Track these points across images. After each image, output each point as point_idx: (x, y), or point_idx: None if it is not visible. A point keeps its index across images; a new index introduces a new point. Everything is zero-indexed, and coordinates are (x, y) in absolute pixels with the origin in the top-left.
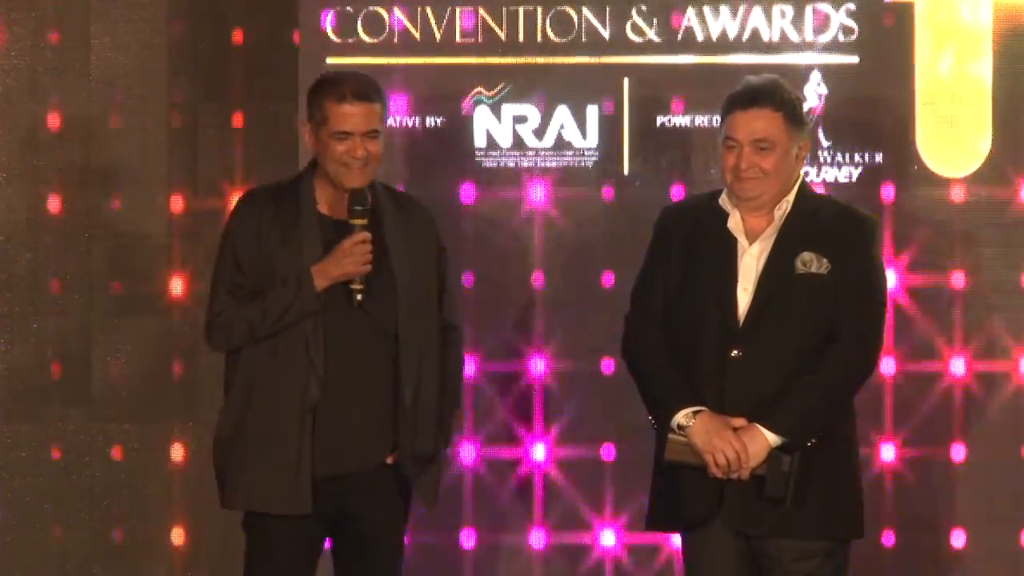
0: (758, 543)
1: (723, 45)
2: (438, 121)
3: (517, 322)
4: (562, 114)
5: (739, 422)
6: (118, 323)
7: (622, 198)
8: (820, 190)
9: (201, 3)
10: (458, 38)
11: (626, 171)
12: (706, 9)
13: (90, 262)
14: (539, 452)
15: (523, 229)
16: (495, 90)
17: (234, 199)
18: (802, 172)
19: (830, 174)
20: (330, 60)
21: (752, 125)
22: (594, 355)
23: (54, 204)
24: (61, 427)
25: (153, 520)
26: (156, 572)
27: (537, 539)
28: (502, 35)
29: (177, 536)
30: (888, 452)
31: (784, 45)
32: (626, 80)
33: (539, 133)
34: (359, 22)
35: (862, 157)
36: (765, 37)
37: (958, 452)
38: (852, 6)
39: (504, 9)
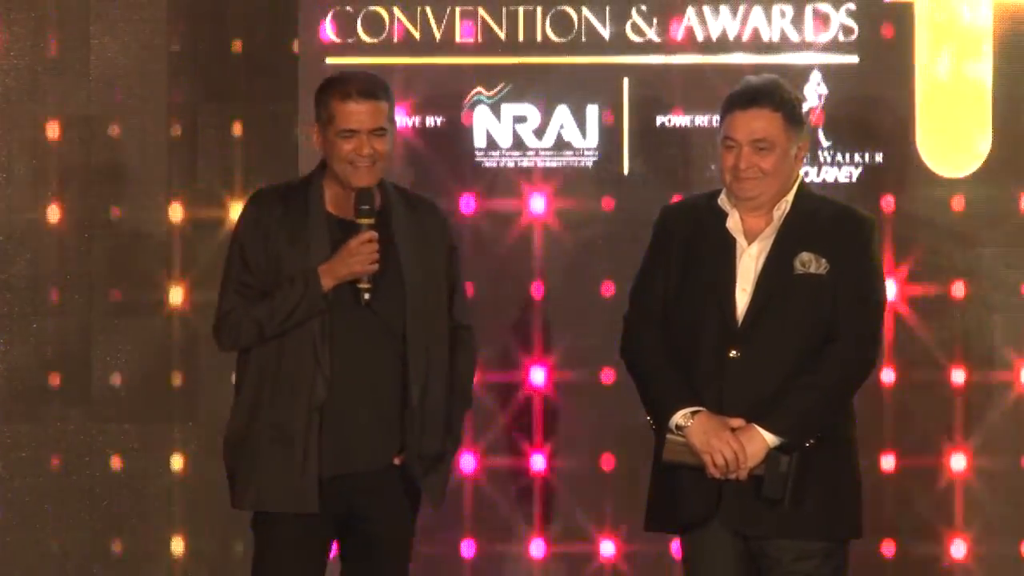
0: (757, 543)
1: (723, 45)
2: (438, 121)
3: (517, 332)
4: (562, 114)
5: (737, 422)
6: (118, 323)
7: (622, 207)
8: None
9: (201, 3)
10: (458, 38)
11: (626, 171)
12: (706, 9)
13: (90, 262)
14: (539, 462)
15: (523, 238)
16: (495, 90)
17: (234, 199)
18: (801, 172)
19: (830, 174)
20: (330, 60)
21: (751, 125)
22: (594, 365)
23: (54, 204)
24: (61, 427)
25: (153, 520)
26: (156, 573)
27: (537, 549)
28: (502, 35)
29: (177, 545)
30: (888, 462)
31: (784, 45)
32: (626, 80)
33: (539, 133)
34: (359, 22)
35: (862, 157)
36: (765, 37)
37: (958, 462)
38: (852, 6)
39: (504, 9)
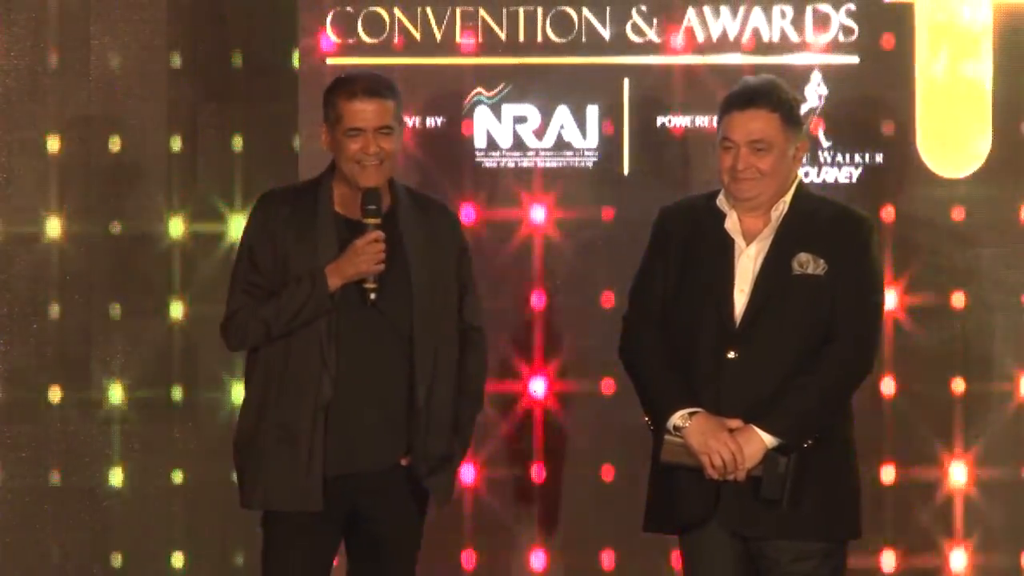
0: (756, 544)
1: (723, 45)
2: (438, 121)
3: (517, 342)
4: (562, 114)
5: (735, 423)
6: (118, 323)
7: (622, 215)
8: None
9: (201, 4)
10: (458, 38)
11: (626, 172)
12: (706, 9)
13: (90, 262)
14: (539, 472)
15: (523, 249)
16: (495, 90)
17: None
18: (801, 173)
19: (830, 175)
20: (330, 61)
21: (749, 126)
22: (595, 375)
23: (54, 205)
24: (61, 428)
25: (153, 532)
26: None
27: (538, 559)
28: (502, 35)
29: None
30: (888, 472)
31: (784, 45)
32: (626, 80)
33: (539, 133)
34: (359, 22)
35: (862, 158)
36: (765, 37)
37: (958, 472)
38: (852, 6)
39: (504, 9)
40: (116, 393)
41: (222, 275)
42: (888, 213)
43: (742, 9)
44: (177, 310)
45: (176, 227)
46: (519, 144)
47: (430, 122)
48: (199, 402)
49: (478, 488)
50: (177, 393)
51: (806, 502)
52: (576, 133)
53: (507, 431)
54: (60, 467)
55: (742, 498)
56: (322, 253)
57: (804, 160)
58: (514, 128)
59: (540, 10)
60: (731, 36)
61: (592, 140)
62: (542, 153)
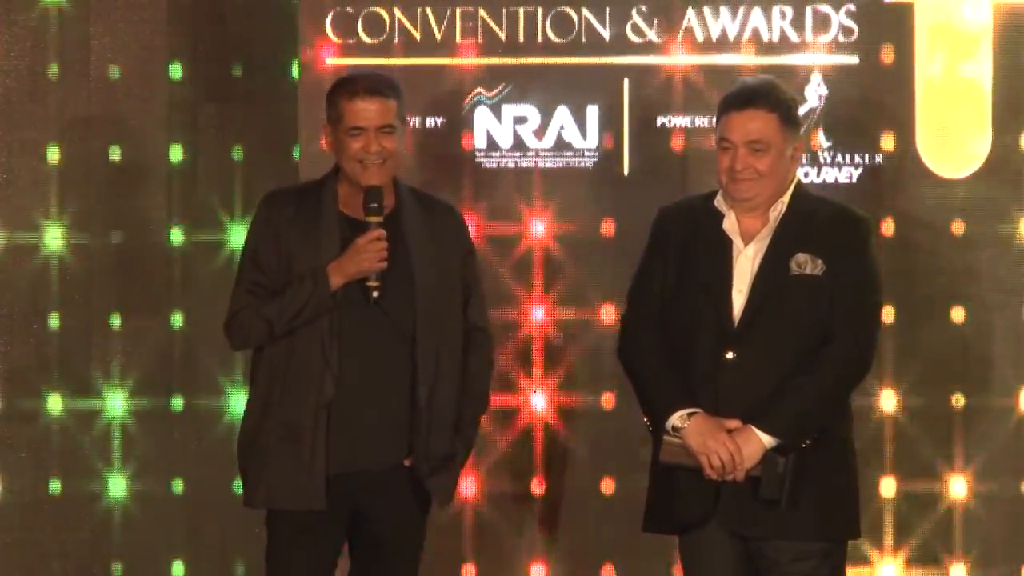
0: (755, 544)
1: (723, 45)
2: (438, 122)
3: (517, 356)
4: (562, 115)
5: (734, 423)
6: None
7: (622, 227)
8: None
9: (201, 4)
10: (458, 39)
11: (626, 171)
12: (706, 10)
13: (90, 262)
14: (539, 486)
15: (522, 262)
16: (495, 91)
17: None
18: (798, 173)
19: (830, 175)
20: (330, 61)
21: (747, 126)
22: (595, 389)
23: (54, 205)
24: (61, 436)
25: (154, 527)
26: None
27: (538, 574)
28: (502, 36)
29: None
30: (888, 486)
31: (784, 45)
32: (626, 80)
33: (539, 134)
34: (359, 23)
35: (862, 158)
36: (765, 37)
37: (958, 486)
38: (852, 6)
39: (504, 10)
40: (116, 401)
41: (222, 283)
42: (887, 214)
43: (742, 10)
44: (177, 319)
45: (176, 235)
46: (519, 144)
47: (430, 123)
48: (199, 410)
49: (478, 502)
50: (177, 401)
51: (805, 502)
52: (576, 133)
53: (507, 445)
54: (60, 475)
55: (741, 498)
56: (325, 252)
57: (804, 160)
58: (514, 128)
59: (540, 10)
60: (731, 37)
61: (592, 140)
62: (542, 153)
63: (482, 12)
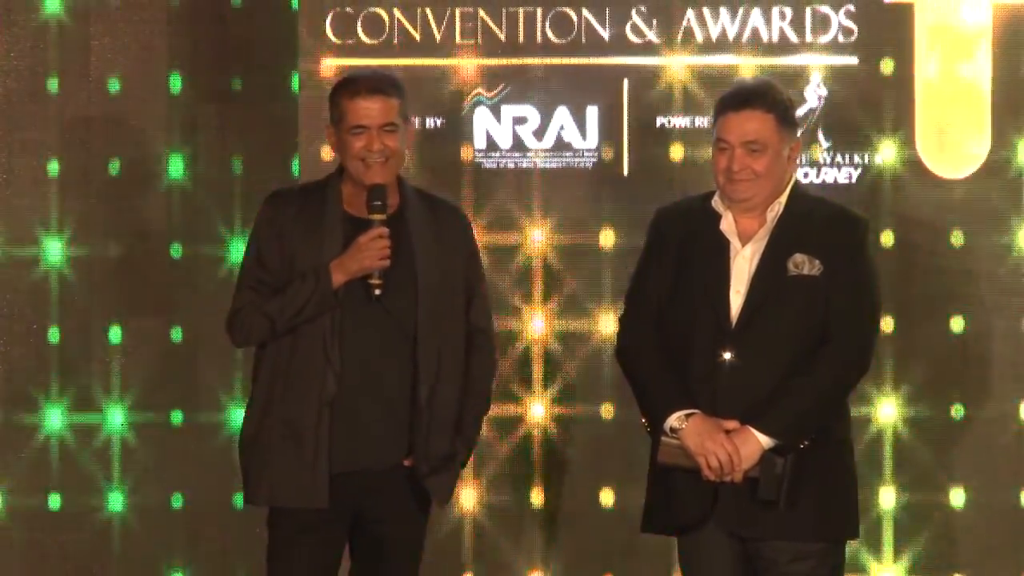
0: (753, 545)
1: (723, 46)
2: (438, 122)
3: (517, 366)
4: (562, 115)
5: (732, 424)
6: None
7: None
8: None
9: (201, 4)
10: (458, 39)
11: (626, 172)
12: (706, 10)
13: (90, 262)
14: (538, 496)
15: (522, 273)
16: (495, 91)
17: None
18: (795, 173)
19: (830, 175)
20: (330, 62)
21: (744, 127)
22: (594, 400)
23: (54, 205)
24: (61, 451)
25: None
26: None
27: None
28: (502, 36)
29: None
30: (888, 497)
31: (784, 46)
32: (626, 81)
33: (539, 134)
34: (359, 23)
35: (862, 158)
36: (765, 38)
37: (957, 497)
38: (852, 7)
39: (504, 10)
40: (116, 416)
41: (222, 297)
42: (886, 214)
43: (741, 10)
44: (177, 333)
45: (176, 249)
46: (519, 145)
47: (430, 123)
48: (199, 425)
49: (477, 513)
50: (177, 416)
51: (803, 502)
52: (576, 134)
53: (507, 455)
54: (60, 491)
55: (739, 499)
56: (328, 250)
57: (803, 161)
58: (514, 129)
59: (540, 11)
60: (730, 37)
61: (592, 140)
62: (542, 154)
63: (482, 13)
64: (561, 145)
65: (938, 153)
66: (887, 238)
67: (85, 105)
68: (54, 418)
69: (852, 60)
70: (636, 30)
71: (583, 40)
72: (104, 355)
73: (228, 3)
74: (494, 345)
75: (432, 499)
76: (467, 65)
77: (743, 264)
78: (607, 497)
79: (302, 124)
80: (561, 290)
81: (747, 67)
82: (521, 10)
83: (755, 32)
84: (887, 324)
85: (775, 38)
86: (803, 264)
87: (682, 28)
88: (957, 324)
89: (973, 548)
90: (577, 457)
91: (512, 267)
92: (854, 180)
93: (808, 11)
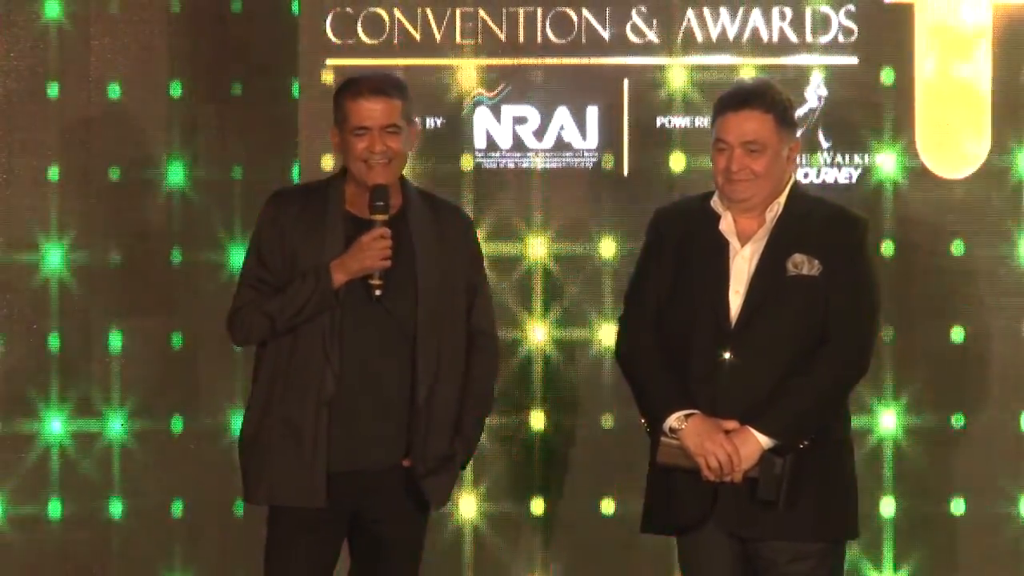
0: (753, 545)
1: (723, 46)
2: (438, 122)
3: (516, 373)
4: (562, 115)
5: (731, 424)
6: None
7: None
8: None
9: (202, 7)
10: (458, 39)
11: (626, 172)
12: (706, 10)
13: (90, 262)
14: (539, 505)
15: (522, 282)
16: (495, 91)
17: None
18: (794, 174)
19: (829, 175)
20: (330, 62)
21: (743, 127)
22: (594, 409)
23: (54, 208)
24: (61, 457)
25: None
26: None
27: None
28: (502, 36)
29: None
30: (888, 507)
31: (784, 46)
32: (626, 81)
33: (539, 134)
34: (359, 23)
35: (862, 159)
36: (765, 38)
37: (957, 506)
38: (852, 7)
39: (504, 10)
40: (116, 422)
41: (222, 302)
42: (886, 214)
43: (742, 10)
44: (177, 338)
45: (176, 254)
46: (519, 145)
47: (430, 123)
48: (199, 431)
49: (477, 522)
50: (177, 422)
51: (803, 503)
52: (576, 134)
53: (507, 464)
54: (60, 497)
55: (739, 499)
56: (329, 250)
57: (803, 161)
58: (514, 129)
59: (540, 11)
60: (731, 37)
61: (592, 141)
62: (542, 154)
63: (482, 13)
64: (561, 145)
65: (938, 153)
66: (887, 241)
67: (85, 107)
68: (54, 424)
69: (852, 60)
70: (636, 30)
71: (583, 40)
72: (104, 360)
73: (228, 6)
74: (496, 347)
75: (430, 500)
76: (467, 65)
77: (742, 264)
78: (608, 506)
79: (302, 125)
80: (562, 299)
81: (747, 67)
82: (521, 10)
83: (755, 32)
84: (887, 333)
85: (775, 38)
86: (802, 264)
87: (682, 28)
88: (957, 334)
89: (974, 557)
90: (577, 466)
91: (512, 276)
92: (854, 180)
93: (808, 11)
